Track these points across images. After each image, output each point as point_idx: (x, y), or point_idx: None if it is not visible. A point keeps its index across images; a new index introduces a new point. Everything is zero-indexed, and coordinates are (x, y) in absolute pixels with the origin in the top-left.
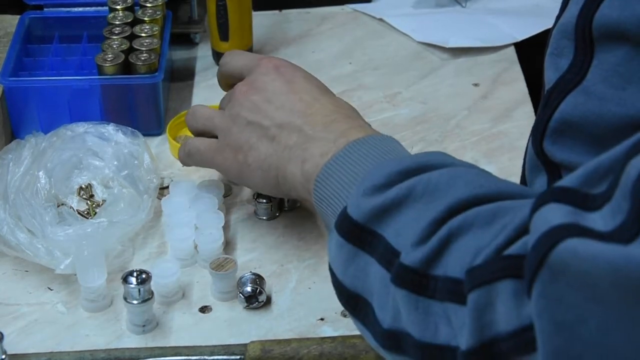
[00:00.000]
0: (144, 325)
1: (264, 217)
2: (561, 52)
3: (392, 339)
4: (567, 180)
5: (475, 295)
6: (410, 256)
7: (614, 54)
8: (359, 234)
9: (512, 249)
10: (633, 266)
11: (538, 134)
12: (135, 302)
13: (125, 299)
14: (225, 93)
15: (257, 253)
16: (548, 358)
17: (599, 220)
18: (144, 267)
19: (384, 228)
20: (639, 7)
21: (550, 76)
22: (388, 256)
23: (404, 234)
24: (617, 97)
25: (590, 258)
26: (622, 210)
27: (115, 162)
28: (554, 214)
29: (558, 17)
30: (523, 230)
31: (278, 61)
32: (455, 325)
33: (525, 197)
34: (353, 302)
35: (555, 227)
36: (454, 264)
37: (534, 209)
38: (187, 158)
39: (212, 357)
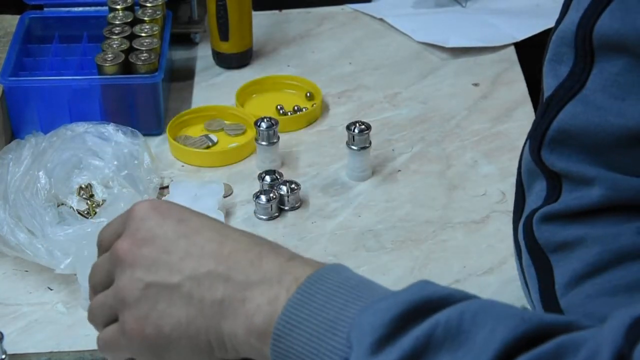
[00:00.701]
0: None
1: (264, 217)
2: (560, 59)
3: None
4: None
5: None
6: None
7: (614, 64)
8: None
9: None
10: None
11: (536, 142)
12: None
13: None
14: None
15: None
16: None
17: None
18: None
19: None
20: (639, 19)
21: (549, 83)
22: None
23: None
24: (616, 108)
25: None
26: None
27: (115, 162)
28: None
29: (558, 22)
30: None
31: (152, 202)
32: None
33: (576, 327)
34: None
35: None
36: None
37: (631, 338)
38: (106, 354)
39: None
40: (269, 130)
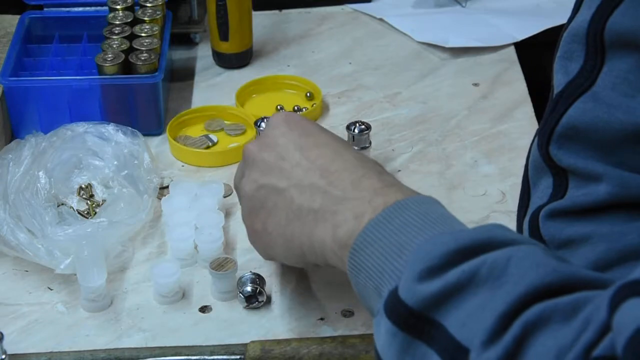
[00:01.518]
0: None
1: None
2: (571, 56)
3: None
4: None
5: None
6: (484, 356)
7: (625, 61)
8: (414, 322)
9: (600, 350)
10: None
11: (544, 138)
12: None
13: None
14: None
15: (257, 253)
16: None
17: None
18: (143, 267)
19: (445, 317)
20: None
21: (559, 79)
22: (452, 351)
23: (470, 326)
24: (625, 105)
25: None
26: None
27: (115, 162)
28: (638, 310)
29: (570, 20)
30: (607, 327)
31: (288, 114)
32: None
33: (602, 284)
34: None
35: None
36: None
37: (614, 304)
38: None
39: (212, 357)
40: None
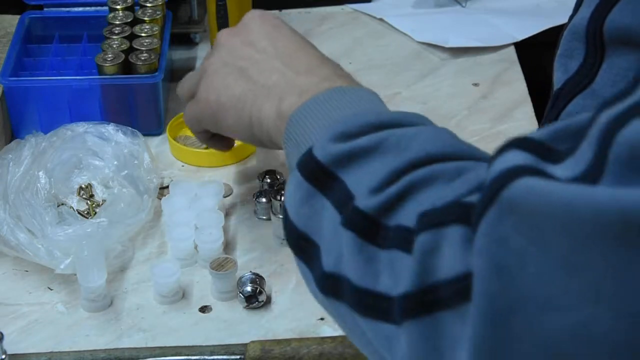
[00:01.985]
0: None
1: (264, 217)
2: (571, 54)
3: (331, 282)
4: (533, 134)
5: (423, 237)
6: (365, 201)
7: (624, 58)
8: (319, 175)
9: (470, 198)
10: (589, 207)
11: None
12: None
13: None
14: None
15: (257, 253)
16: (481, 301)
17: (560, 170)
18: (143, 267)
19: (347, 174)
20: None
21: (559, 77)
22: (343, 199)
23: (364, 180)
24: None
25: (545, 196)
26: (585, 159)
27: (115, 162)
28: (514, 157)
29: (570, 19)
30: (483, 182)
31: (263, 12)
32: (397, 273)
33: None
34: (301, 243)
35: (512, 167)
36: (408, 214)
37: (495, 156)
38: (189, 125)
39: (212, 357)
40: None
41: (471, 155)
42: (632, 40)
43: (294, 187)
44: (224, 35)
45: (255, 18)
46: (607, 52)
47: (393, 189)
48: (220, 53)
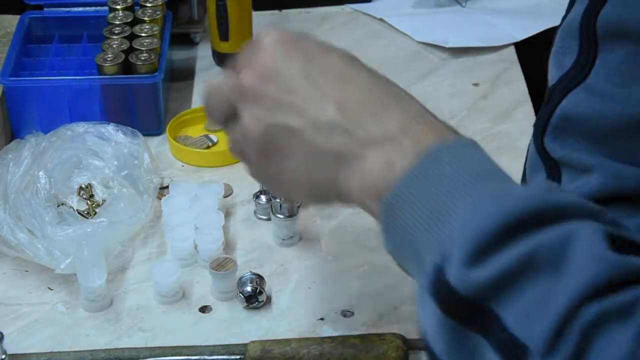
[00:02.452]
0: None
1: (264, 217)
2: (565, 51)
3: None
4: None
5: None
6: None
7: (618, 52)
8: (467, 311)
9: None
10: None
11: (539, 130)
12: None
13: None
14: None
15: (257, 253)
16: None
17: None
18: (143, 267)
19: (500, 307)
20: None
21: (553, 74)
22: (511, 348)
23: (527, 321)
24: (619, 96)
25: None
26: None
27: (115, 162)
28: None
29: (564, 17)
30: None
31: (281, 33)
32: None
33: None
34: None
35: None
36: None
37: None
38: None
39: (212, 357)
40: None
41: (632, 271)
42: (625, 33)
43: (435, 323)
44: (248, 81)
45: (275, 49)
46: (601, 47)
47: (570, 344)
48: (255, 110)
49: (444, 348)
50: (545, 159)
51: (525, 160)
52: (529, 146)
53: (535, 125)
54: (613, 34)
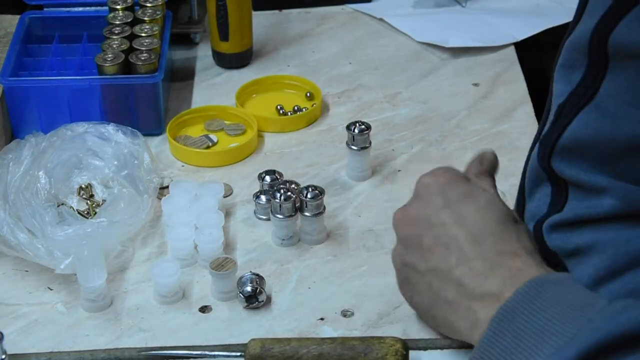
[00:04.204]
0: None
1: (264, 217)
2: (573, 65)
3: None
4: None
5: None
6: None
7: (629, 71)
8: None
9: None
10: None
11: (546, 150)
12: None
13: None
14: None
15: (257, 253)
16: None
17: None
18: (143, 267)
19: None
20: None
21: (561, 89)
22: None
23: None
24: (630, 116)
25: None
26: None
27: (115, 162)
28: None
29: (571, 29)
30: None
31: (437, 176)
32: None
33: None
34: None
35: None
36: None
37: None
38: None
39: (212, 353)
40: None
41: None
42: (636, 54)
43: None
44: (396, 217)
45: (424, 189)
46: (611, 64)
47: None
48: (398, 246)
49: None
50: (551, 176)
51: (524, 169)
52: (529, 154)
53: (541, 144)
54: (626, 53)
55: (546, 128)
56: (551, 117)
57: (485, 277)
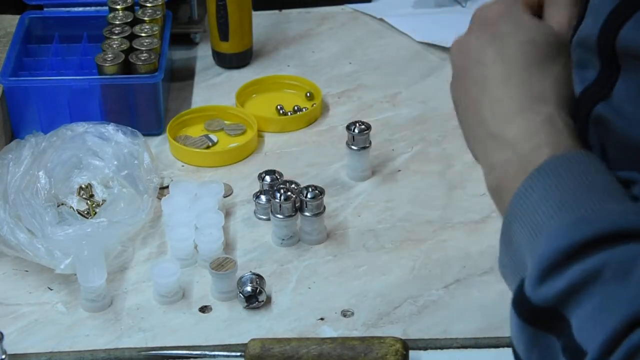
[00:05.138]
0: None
1: (264, 217)
2: (585, 64)
3: None
4: None
5: None
6: None
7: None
8: (539, 317)
9: None
10: None
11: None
12: None
13: None
14: None
15: (257, 253)
16: None
17: None
18: (143, 267)
19: (570, 311)
20: None
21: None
22: (575, 352)
23: (588, 330)
24: None
25: None
26: None
27: (115, 162)
28: None
29: (575, 29)
30: None
31: (504, 7)
32: None
33: None
34: None
35: None
36: None
37: None
38: None
39: (212, 353)
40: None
41: None
42: None
43: (516, 330)
44: (453, 46)
45: (477, 23)
46: (623, 66)
47: (620, 355)
48: (452, 81)
49: (524, 350)
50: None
51: None
52: None
53: None
54: (634, 55)
55: None
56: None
57: (507, 121)
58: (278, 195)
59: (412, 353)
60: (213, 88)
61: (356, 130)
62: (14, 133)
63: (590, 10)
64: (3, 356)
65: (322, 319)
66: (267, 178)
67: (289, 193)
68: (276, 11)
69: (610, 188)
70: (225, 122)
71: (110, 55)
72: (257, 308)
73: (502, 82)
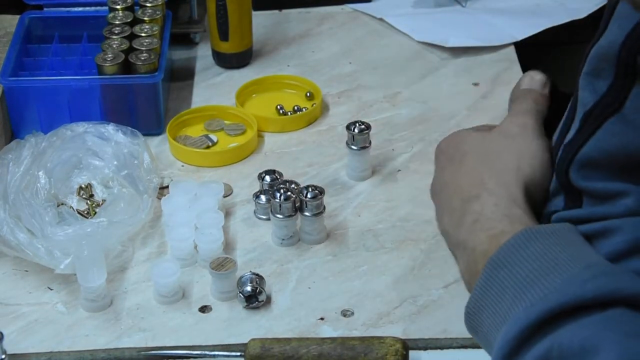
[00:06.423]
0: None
1: (264, 217)
2: (599, 74)
3: None
4: None
5: None
6: None
7: None
8: None
9: None
10: None
11: (568, 156)
12: None
13: None
14: None
15: (257, 253)
16: None
17: None
18: (143, 267)
19: None
20: None
21: (586, 97)
22: None
23: None
24: None
25: None
26: None
27: (115, 162)
28: None
29: (598, 37)
30: None
31: (461, 135)
32: None
33: None
34: None
35: None
36: None
37: None
38: None
39: (212, 353)
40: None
41: None
42: None
43: None
44: (433, 199)
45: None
46: (639, 78)
47: None
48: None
49: None
50: (565, 185)
51: None
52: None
53: (564, 151)
54: None
55: (570, 135)
56: (576, 125)
57: (460, 225)
58: (278, 195)
59: (412, 353)
60: (213, 88)
61: (356, 130)
62: (14, 133)
63: (617, 16)
64: (3, 356)
65: (322, 318)
66: (267, 178)
67: (289, 193)
68: (276, 11)
69: (558, 259)
70: (225, 122)
71: (110, 55)
72: (257, 308)
73: (458, 201)
